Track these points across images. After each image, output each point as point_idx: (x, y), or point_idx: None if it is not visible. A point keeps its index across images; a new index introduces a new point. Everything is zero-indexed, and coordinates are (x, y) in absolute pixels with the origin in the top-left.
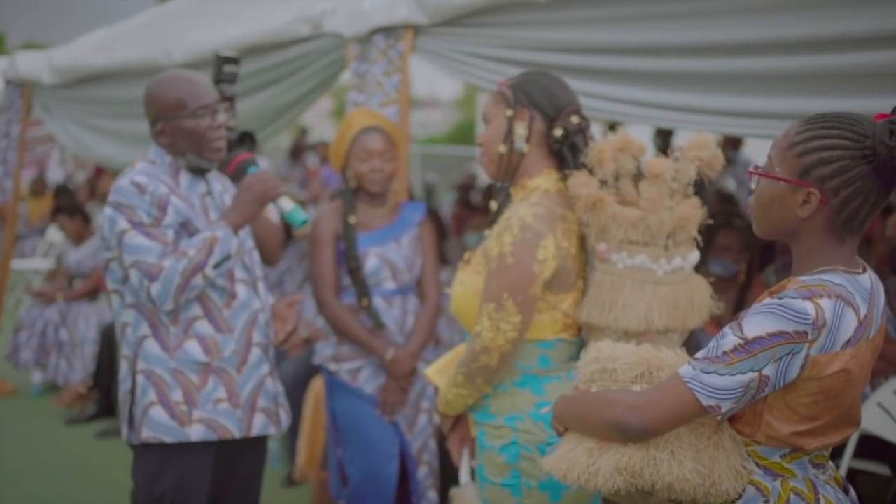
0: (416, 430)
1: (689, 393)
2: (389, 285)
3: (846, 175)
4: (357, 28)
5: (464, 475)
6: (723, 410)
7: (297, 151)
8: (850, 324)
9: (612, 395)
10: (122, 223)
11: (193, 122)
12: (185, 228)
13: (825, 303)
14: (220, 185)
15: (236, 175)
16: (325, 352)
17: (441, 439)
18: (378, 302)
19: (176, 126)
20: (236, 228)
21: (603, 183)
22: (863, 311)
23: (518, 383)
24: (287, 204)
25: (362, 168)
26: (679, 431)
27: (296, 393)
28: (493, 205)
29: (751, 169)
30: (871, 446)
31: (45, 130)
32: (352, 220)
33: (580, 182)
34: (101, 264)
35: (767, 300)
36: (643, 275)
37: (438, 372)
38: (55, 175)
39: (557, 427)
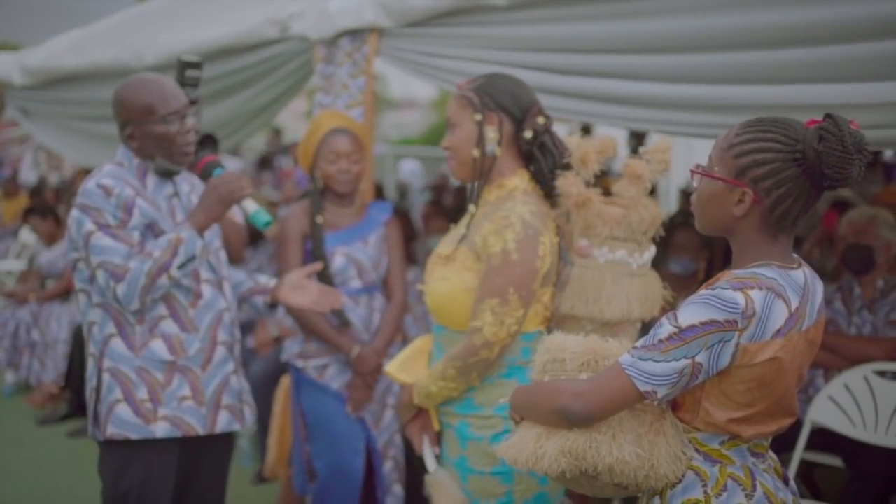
0: (382, 426)
1: (627, 379)
2: (356, 284)
3: (778, 177)
4: (323, 31)
5: (430, 462)
6: (659, 396)
7: (267, 159)
8: (780, 314)
9: (559, 384)
10: (89, 225)
11: (163, 127)
12: (152, 230)
13: (755, 294)
14: (188, 186)
15: (202, 177)
16: (292, 349)
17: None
18: (344, 300)
19: (146, 131)
20: (201, 229)
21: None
22: (794, 304)
23: (505, 374)
24: (251, 206)
25: (330, 169)
26: (622, 417)
27: (266, 391)
28: (473, 208)
29: (692, 168)
30: (824, 439)
31: (18, 132)
32: (319, 219)
33: (569, 182)
34: (69, 264)
35: (702, 291)
36: (621, 268)
37: (399, 367)
38: (28, 176)
39: (514, 416)
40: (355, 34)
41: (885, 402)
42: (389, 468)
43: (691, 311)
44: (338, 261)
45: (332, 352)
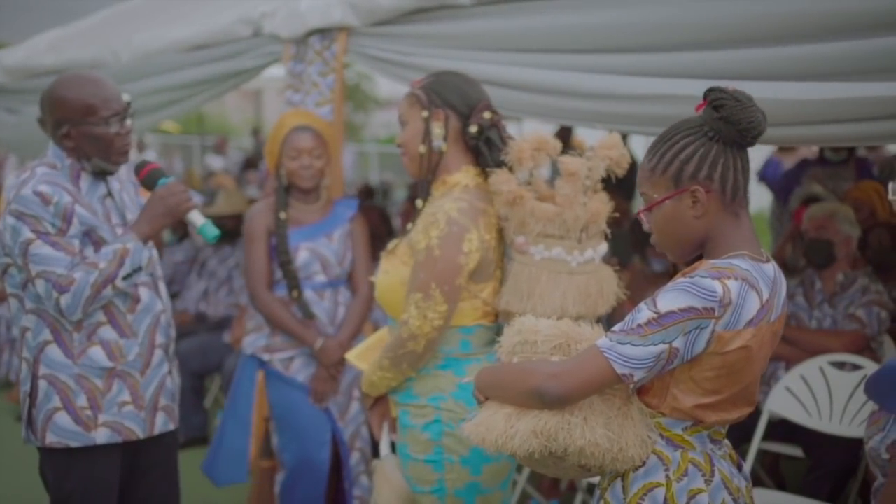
0: (348, 418)
1: (605, 362)
2: (320, 278)
3: (709, 159)
4: (294, 30)
5: (384, 448)
6: (635, 379)
7: (253, 160)
8: (752, 305)
9: (533, 365)
10: (27, 233)
11: (104, 129)
12: (89, 236)
13: (732, 283)
14: (118, 184)
15: (145, 185)
16: (258, 342)
17: None
18: (309, 294)
19: (84, 131)
20: (146, 240)
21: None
22: (765, 296)
23: (441, 366)
24: (198, 218)
25: (293, 165)
26: (592, 401)
27: None
28: (420, 203)
29: (637, 213)
30: (783, 430)
31: None
32: (283, 215)
33: (501, 179)
34: None
35: (680, 279)
36: (558, 266)
37: (360, 356)
38: (11, 176)
39: (478, 396)
40: (325, 33)
41: (839, 393)
42: (356, 460)
43: (670, 298)
44: (302, 256)
45: (297, 345)
